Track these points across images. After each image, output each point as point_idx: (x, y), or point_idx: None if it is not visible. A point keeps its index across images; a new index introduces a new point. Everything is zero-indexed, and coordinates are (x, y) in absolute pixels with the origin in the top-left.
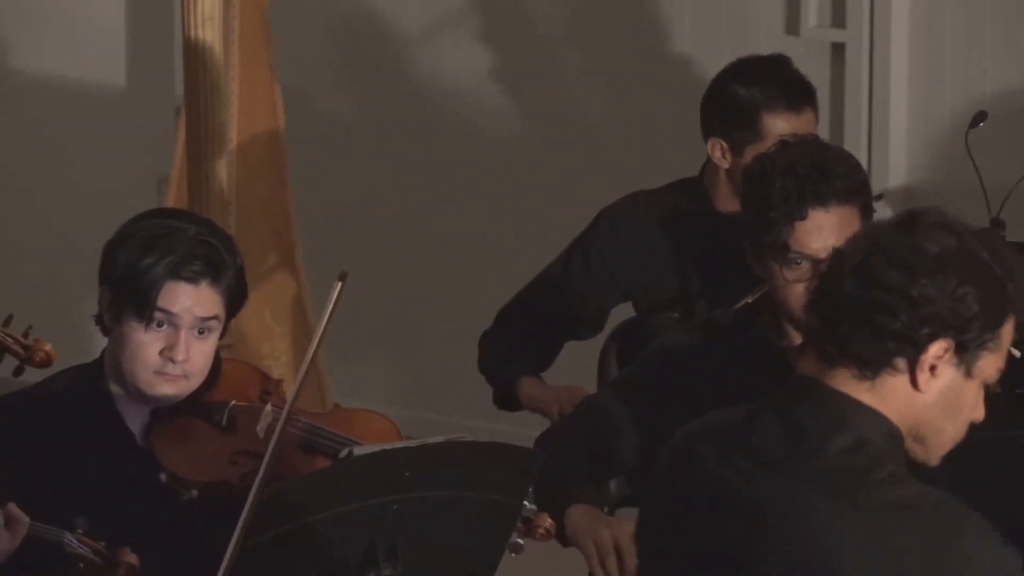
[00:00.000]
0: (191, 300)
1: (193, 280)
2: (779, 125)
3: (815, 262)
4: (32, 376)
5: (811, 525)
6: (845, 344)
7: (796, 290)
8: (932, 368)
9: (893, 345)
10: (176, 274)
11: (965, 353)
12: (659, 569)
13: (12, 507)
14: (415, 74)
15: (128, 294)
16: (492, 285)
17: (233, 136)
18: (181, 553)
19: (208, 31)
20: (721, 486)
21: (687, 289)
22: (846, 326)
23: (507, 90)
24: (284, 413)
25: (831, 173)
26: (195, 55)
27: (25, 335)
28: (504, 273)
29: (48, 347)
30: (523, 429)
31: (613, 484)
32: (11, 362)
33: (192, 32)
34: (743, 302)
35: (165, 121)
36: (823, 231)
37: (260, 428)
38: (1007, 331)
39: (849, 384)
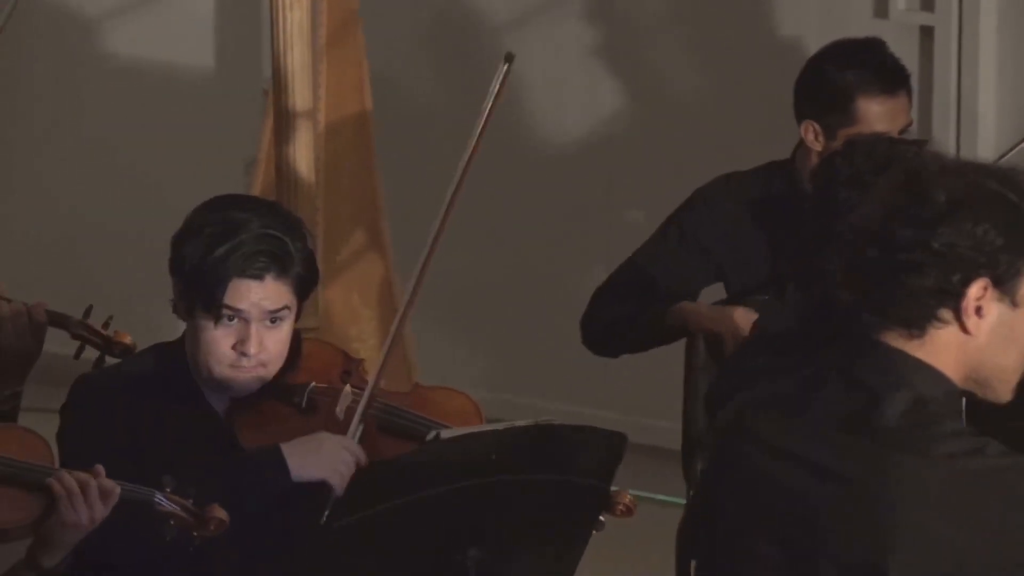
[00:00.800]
0: (258, 295)
1: (258, 276)
2: (873, 109)
3: None
4: None
5: (881, 482)
6: (884, 311)
7: None
8: (977, 310)
9: (932, 300)
10: (241, 272)
11: (1004, 285)
12: (716, 551)
13: (106, 481)
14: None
15: (195, 292)
16: (581, 268)
17: (320, 119)
18: (263, 533)
19: (296, 13)
20: (780, 461)
21: (778, 271)
22: (880, 295)
23: (598, 73)
24: (366, 395)
25: None
26: (283, 37)
27: (105, 326)
28: (594, 256)
29: (127, 338)
30: (610, 413)
31: (700, 463)
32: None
33: (280, 14)
34: None
35: (253, 103)
36: None
37: (340, 410)
38: None
39: (900, 342)
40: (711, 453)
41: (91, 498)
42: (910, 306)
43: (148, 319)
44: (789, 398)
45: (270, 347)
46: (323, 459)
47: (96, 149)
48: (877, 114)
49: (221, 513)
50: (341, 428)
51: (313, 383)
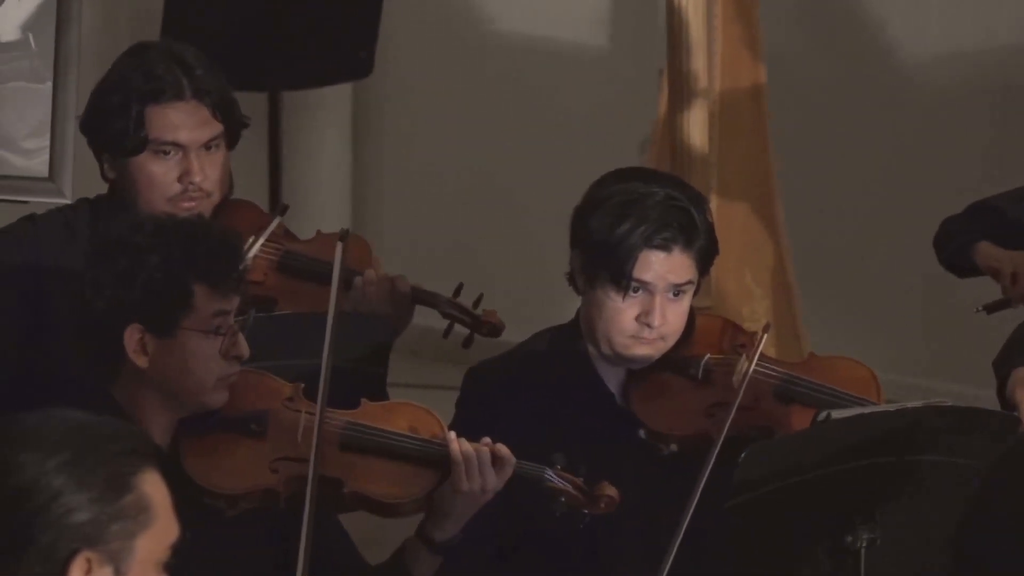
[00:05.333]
0: (665, 267)
1: (666, 248)
2: None
3: None
4: (481, 347)
5: None
6: None
7: None
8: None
9: None
10: (649, 243)
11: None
12: None
13: (500, 446)
14: (894, 34)
15: (602, 263)
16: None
17: (715, 98)
18: (657, 509)
19: None
20: None
21: None
22: None
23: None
24: (751, 360)
25: None
26: (678, 16)
27: (475, 304)
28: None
29: (495, 317)
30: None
31: None
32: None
33: None
34: None
35: (648, 83)
36: None
37: (736, 380)
38: None
39: None
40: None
41: (485, 465)
42: None
43: (520, 300)
44: None
45: (671, 320)
46: None
47: (487, 131)
48: None
49: (611, 491)
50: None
51: (708, 355)
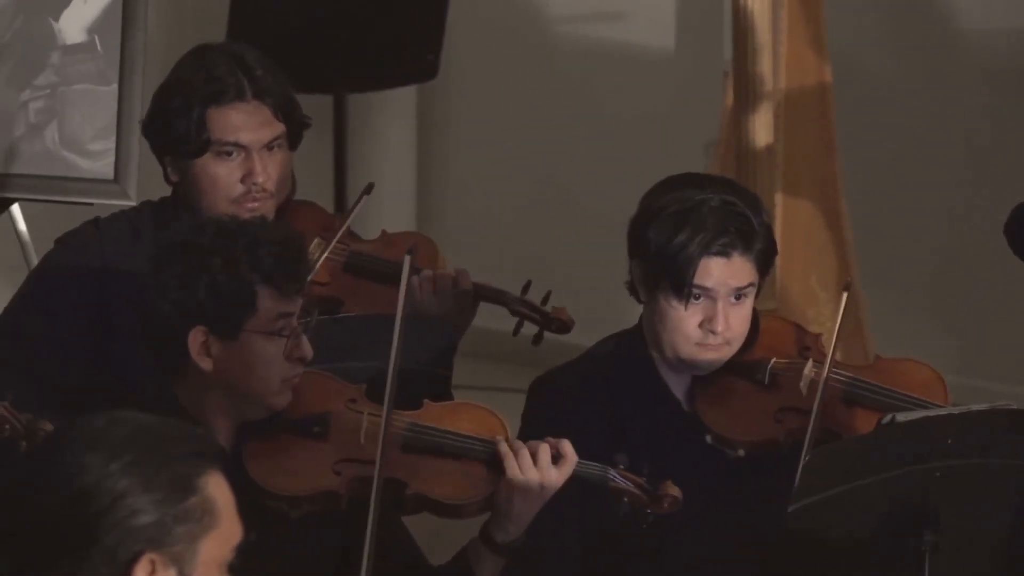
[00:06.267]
0: (725, 273)
1: (725, 254)
2: None
3: None
4: (550, 344)
5: None
6: None
7: None
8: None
9: None
10: (708, 251)
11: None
12: None
13: (563, 442)
14: (965, 29)
15: (662, 273)
16: None
17: (780, 99)
18: (723, 513)
19: None
20: None
21: None
22: None
23: None
24: (825, 368)
25: None
26: (744, 18)
27: (543, 301)
28: None
29: (565, 313)
30: None
31: None
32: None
33: None
34: None
35: (713, 85)
36: None
37: (803, 384)
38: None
39: None
40: None
41: (542, 461)
42: None
43: (587, 299)
44: None
45: (735, 324)
46: None
47: (552, 133)
48: None
49: (675, 490)
50: (803, 402)
51: (773, 359)
